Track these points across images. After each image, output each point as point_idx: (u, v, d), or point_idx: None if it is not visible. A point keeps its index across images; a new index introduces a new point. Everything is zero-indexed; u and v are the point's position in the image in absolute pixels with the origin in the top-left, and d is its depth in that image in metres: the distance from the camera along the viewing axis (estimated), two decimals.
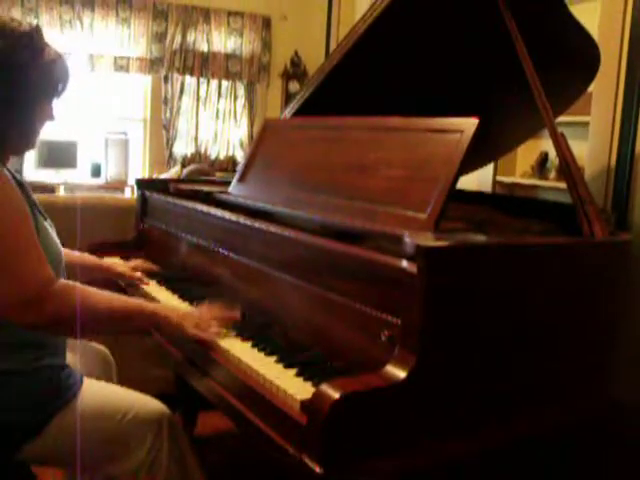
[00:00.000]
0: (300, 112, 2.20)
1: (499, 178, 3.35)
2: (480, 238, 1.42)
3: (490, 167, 3.18)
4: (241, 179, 2.17)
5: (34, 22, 1.47)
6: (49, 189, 5.49)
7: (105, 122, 6.06)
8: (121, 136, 5.95)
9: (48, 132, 5.66)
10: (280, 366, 1.30)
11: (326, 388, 1.05)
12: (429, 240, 1.18)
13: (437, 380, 1.14)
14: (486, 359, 1.23)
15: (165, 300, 1.74)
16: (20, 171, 5.50)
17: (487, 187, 3.31)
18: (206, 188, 2.22)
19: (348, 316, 1.27)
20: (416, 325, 1.08)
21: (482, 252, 1.24)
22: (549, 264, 1.34)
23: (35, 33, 1.39)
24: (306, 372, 1.25)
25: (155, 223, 2.23)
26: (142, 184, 2.32)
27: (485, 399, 1.26)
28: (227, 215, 1.80)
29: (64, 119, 5.89)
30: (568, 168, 1.57)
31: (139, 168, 6.22)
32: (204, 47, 6.15)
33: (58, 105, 1.46)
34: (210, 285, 1.83)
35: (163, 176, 4.94)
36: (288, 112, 2.25)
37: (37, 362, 1.40)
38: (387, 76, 2.07)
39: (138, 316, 1.42)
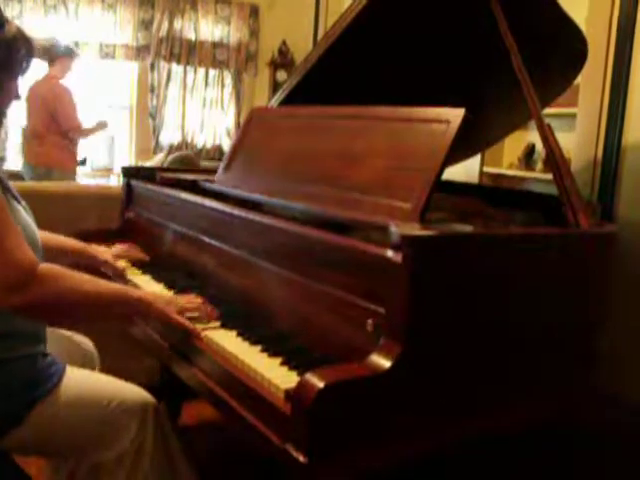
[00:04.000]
0: (287, 102, 2.19)
1: (486, 169, 3.36)
2: (465, 228, 1.42)
3: (477, 158, 3.18)
4: (227, 168, 2.16)
5: (13, 6, 1.43)
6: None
7: (90, 110, 6.00)
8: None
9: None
10: (265, 355, 1.30)
11: (310, 377, 1.04)
12: (414, 230, 1.18)
13: (422, 369, 1.14)
14: (471, 349, 1.23)
15: (150, 289, 1.73)
16: (4, 158, 5.44)
17: (474, 178, 3.31)
18: (191, 177, 2.20)
19: (333, 305, 1.26)
20: (401, 315, 1.08)
21: (466, 242, 1.23)
22: (532, 254, 1.34)
23: None
24: (291, 361, 1.25)
25: (140, 212, 2.22)
26: (128, 172, 2.30)
27: (470, 389, 1.26)
28: (211, 203, 1.79)
29: None
30: (554, 159, 1.58)
31: (125, 156, 6.18)
32: (191, 35, 6.10)
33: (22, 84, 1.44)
34: (195, 274, 1.82)
35: (148, 164, 4.89)
36: (274, 101, 2.24)
37: (15, 351, 1.38)
38: (374, 66, 2.06)
39: (124, 302, 1.40)
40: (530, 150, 3.24)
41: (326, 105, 1.86)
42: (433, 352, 1.15)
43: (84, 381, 1.45)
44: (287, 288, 1.41)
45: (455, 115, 1.44)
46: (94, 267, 1.84)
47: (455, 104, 1.47)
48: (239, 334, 1.41)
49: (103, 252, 1.88)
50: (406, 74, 2.04)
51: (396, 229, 1.14)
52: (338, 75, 2.03)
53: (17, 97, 1.43)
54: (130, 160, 6.12)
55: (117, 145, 5.97)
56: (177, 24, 6.01)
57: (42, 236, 1.67)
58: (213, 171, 2.20)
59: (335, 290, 1.26)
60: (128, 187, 2.27)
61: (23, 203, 1.47)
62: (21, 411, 1.35)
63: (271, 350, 1.31)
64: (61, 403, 1.38)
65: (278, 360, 1.26)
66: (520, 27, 1.72)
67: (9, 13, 5.48)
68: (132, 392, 1.47)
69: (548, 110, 2.38)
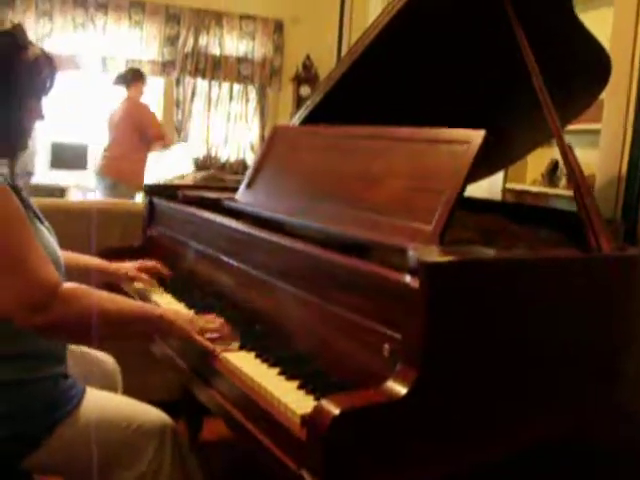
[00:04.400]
0: (309, 119, 2.20)
1: (509, 185, 3.34)
2: (485, 251, 1.40)
3: (500, 174, 3.16)
4: (249, 185, 2.17)
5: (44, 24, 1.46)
6: (59, 191, 5.52)
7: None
8: None
9: (59, 134, 5.72)
10: (282, 378, 1.29)
11: (326, 403, 1.04)
12: (432, 254, 1.17)
13: (439, 396, 1.12)
14: (489, 374, 1.22)
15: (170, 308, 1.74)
16: (32, 172, 5.52)
17: (497, 195, 3.29)
18: (214, 195, 2.22)
19: (350, 329, 1.25)
20: (417, 341, 1.07)
21: (485, 267, 1.21)
22: (552, 279, 1.32)
23: (17, 32, 1.39)
24: (308, 385, 1.24)
25: (163, 230, 2.23)
26: (150, 190, 2.32)
27: (488, 414, 1.24)
28: (231, 223, 1.80)
29: (75, 121, 5.94)
30: (575, 179, 1.56)
31: (151, 169, 6.23)
32: (216, 50, 6.16)
33: (47, 104, 1.46)
34: (216, 294, 1.83)
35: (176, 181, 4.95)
36: (297, 119, 2.25)
37: (35, 373, 1.39)
38: (397, 82, 2.06)
39: (145, 319, 1.42)
40: (554, 166, 3.21)
41: (348, 123, 1.87)
42: (450, 378, 1.14)
43: (103, 403, 1.46)
44: (305, 310, 1.41)
45: (476, 136, 1.43)
46: (117, 285, 1.85)
47: (476, 124, 1.46)
48: (257, 356, 1.41)
49: (125, 269, 1.90)
50: (428, 92, 2.04)
51: (414, 253, 1.13)
52: (361, 92, 2.04)
53: (41, 117, 1.45)
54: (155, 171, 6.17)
55: None
56: (202, 40, 6.08)
57: (64, 256, 1.69)
58: (236, 189, 2.22)
59: (352, 314, 1.25)
60: (150, 205, 2.29)
61: (46, 224, 1.50)
62: (41, 433, 1.36)
63: (288, 373, 1.30)
64: (80, 425, 1.39)
65: (295, 384, 1.26)
66: (542, 47, 1.70)
67: (40, 31, 5.59)
68: (151, 414, 1.48)
69: (571, 127, 2.35)
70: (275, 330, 1.52)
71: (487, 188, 3.15)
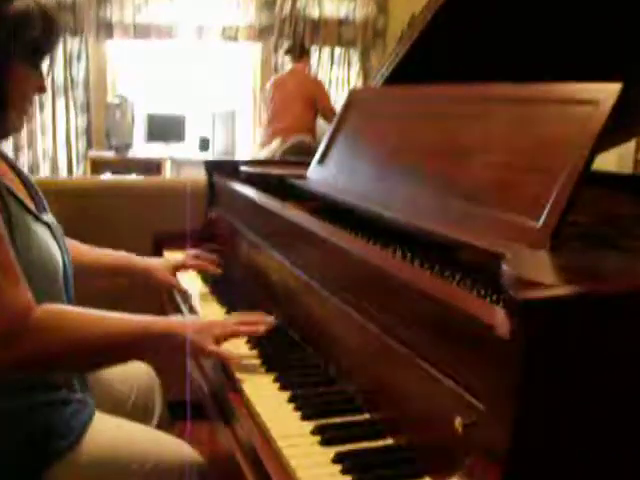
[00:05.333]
0: (393, 78, 1.82)
1: None
2: (613, 260, 0.98)
3: (631, 143, 2.66)
4: (321, 160, 1.84)
5: None
6: (155, 164, 5.41)
7: (213, 95, 5.89)
8: (229, 108, 5.76)
9: (156, 106, 5.61)
10: (315, 440, 0.92)
11: None
12: (538, 276, 0.75)
13: None
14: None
15: (210, 314, 1.43)
16: (130, 145, 5.43)
17: (627, 166, 2.79)
18: (283, 171, 1.90)
19: (413, 378, 0.86)
20: (504, 422, 0.66)
21: (612, 304, 0.72)
22: None
23: None
24: (347, 460, 0.86)
25: (222, 213, 1.94)
26: (211, 166, 2.03)
27: None
28: (280, 210, 1.46)
29: (172, 92, 5.80)
30: None
31: (249, 140, 6.02)
32: (315, 13, 5.81)
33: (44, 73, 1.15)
34: (263, 296, 1.51)
35: (263, 152, 4.67)
36: (379, 78, 1.88)
37: (31, 399, 1.13)
38: (502, 31, 1.64)
39: (143, 338, 1.12)
40: None
41: (439, 81, 1.48)
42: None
43: (113, 436, 1.17)
44: (359, 339, 1.03)
45: (608, 92, 1.01)
46: (150, 286, 1.57)
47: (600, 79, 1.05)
48: (291, 399, 1.04)
49: (159, 269, 1.56)
50: (537, 40, 1.60)
51: (509, 276, 0.73)
52: (456, 40, 1.63)
53: (40, 88, 1.16)
54: (253, 144, 5.95)
55: (241, 129, 5.83)
56: (300, 2, 5.75)
57: (78, 252, 1.43)
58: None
59: (416, 357, 0.86)
60: (211, 183, 2.01)
61: (47, 217, 1.22)
62: (37, 468, 1.10)
63: (327, 434, 0.92)
64: (82, 463, 1.12)
65: (332, 452, 0.88)
66: None
67: (136, 1, 5.46)
68: (170, 450, 1.18)
69: None
70: (319, 352, 1.17)
71: (616, 159, 2.66)
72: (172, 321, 1.16)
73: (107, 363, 1.15)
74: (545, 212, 1.00)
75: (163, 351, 1.16)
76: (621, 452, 0.72)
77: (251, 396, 1.04)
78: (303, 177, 1.84)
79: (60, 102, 5.53)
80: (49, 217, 1.23)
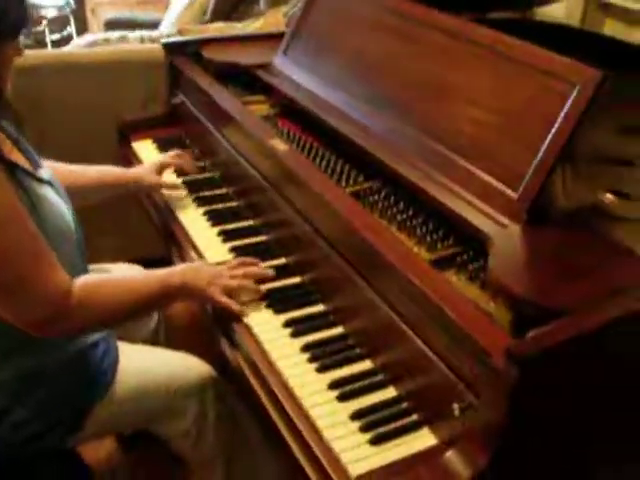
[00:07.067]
0: None
1: None
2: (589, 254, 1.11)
3: None
4: (285, 50, 1.83)
5: None
6: None
7: None
8: None
9: None
10: (333, 396, 1.08)
11: None
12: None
13: None
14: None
15: (204, 236, 1.53)
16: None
17: None
18: (247, 59, 1.88)
19: (418, 357, 1.02)
20: (495, 421, 0.85)
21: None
22: None
23: None
24: (366, 421, 1.03)
25: (187, 102, 1.91)
26: (170, 47, 1.96)
27: None
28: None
29: None
30: None
31: None
32: None
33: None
34: (248, 214, 1.59)
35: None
36: None
37: (65, 353, 1.25)
38: None
39: (164, 295, 1.26)
40: None
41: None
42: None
43: (139, 369, 1.34)
44: (362, 302, 1.16)
45: (588, 77, 1.10)
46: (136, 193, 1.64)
47: None
48: (305, 348, 1.19)
49: (147, 173, 1.63)
50: None
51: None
52: None
53: (19, 53, 1.12)
54: None
55: None
56: None
57: (72, 174, 1.47)
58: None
59: (421, 341, 1.01)
60: (171, 67, 1.96)
61: (44, 173, 1.22)
62: (75, 419, 1.26)
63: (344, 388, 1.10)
64: (117, 400, 1.29)
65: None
66: None
67: None
68: (189, 372, 1.36)
69: None
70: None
71: None
72: (186, 273, 1.27)
73: (140, 317, 1.29)
74: (523, 184, 1.13)
75: (177, 300, 1.31)
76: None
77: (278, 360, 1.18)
78: (268, 65, 1.84)
79: None
80: (46, 170, 1.24)
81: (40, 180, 1.18)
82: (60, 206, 1.20)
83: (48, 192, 1.19)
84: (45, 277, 1.09)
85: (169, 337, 1.65)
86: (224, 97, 1.71)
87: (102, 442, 1.84)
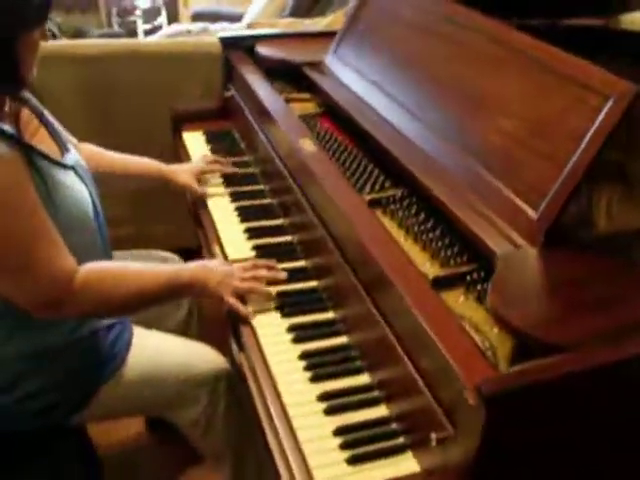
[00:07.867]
0: None
1: None
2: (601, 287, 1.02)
3: None
4: (337, 49, 1.80)
5: None
6: None
7: None
8: None
9: None
10: (320, 409, 1.05)
11: None
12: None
13: None
14: None
15: (231, 232, 1.52)
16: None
17: None
18: (300, 55, 1.86)
19: (406, 379, 0.96)
20: (469, 456, 0.80)
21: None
22: None
23: None
24: (349, 438, 0.99)
25: (239, 95, 1.92)
26: (226, 43, 1.97)
27: None
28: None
29: None
30: None
31: None
32: None
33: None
34: (279, 213, 1.57)
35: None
36: None
37: (75, 333, 1.27)
38: None
39: (172, 289, 1.25)
40: None
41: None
42: None
43: (151, 354, 1.34)
44: (361, 314, 1.12)
45: (624, 90, 1.01)
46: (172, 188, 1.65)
47: None
48: (303, 356, 1.16)
49: (182, 173, 1.64)
50: None
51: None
52: None
53: (45, 37, 1.14)
54: None
55: None
56: None
57: (106, 163, 1.50)
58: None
59: (407, 361, 0.97)
60: (226, 61, 1.97)
61: (71, 157, 1.25)
62: (83, 397, 1.29)
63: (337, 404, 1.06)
64: (127, 379, 1.30)
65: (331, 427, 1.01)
66: None
67: None
68: (203, 362, 1.36)
69: None
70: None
71: None
72: (197, 272, 1.26)
73: (144, 310, 1.29)
74: (544, 204, 1.05)
75: (187, 297, 1.30)
76: None
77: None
78: (319, 64, 1.81)
79: None
80: (72, 156, 1.26)
81: (61, 165, 1.20)
82: (78, 193, 1.22)
83: (68, 178, 1.21)
84: (50, 260, 1.10)
85: (201, 329, 1.66)
86: (266, 92, 1.70)
87: (131, 422, 1.90)
